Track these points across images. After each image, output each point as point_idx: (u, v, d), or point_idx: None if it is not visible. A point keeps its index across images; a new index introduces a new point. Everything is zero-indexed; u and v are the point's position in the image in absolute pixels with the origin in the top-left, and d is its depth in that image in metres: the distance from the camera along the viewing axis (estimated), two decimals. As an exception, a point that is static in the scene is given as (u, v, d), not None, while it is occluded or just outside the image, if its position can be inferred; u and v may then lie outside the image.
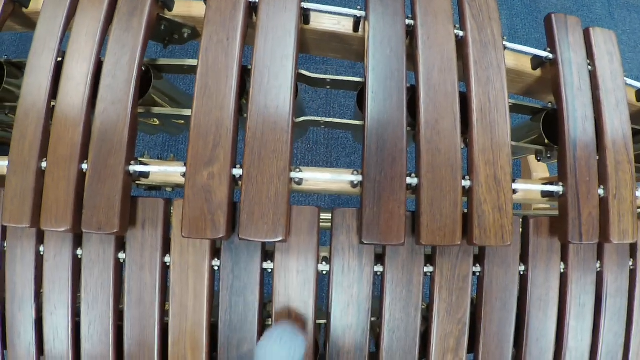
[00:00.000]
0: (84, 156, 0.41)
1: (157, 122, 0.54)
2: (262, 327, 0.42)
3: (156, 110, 0.46)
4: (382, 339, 0.41)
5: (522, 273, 0.44)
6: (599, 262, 0.47)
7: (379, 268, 0.42)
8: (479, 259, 0.44)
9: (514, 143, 0.48)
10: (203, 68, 0.41)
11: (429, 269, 0.42)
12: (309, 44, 0.49)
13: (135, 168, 0.41)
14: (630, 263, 0.48)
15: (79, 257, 0.43)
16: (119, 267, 0.43)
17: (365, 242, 0.38)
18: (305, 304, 0.41)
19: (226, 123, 0.40)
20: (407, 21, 0.43)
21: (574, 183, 0.42)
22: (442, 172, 0.39)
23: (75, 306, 0.44)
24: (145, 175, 0.42)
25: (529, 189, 0.43)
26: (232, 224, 0.40)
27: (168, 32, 0.49)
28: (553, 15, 0.47)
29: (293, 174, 0.40)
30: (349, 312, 0.41)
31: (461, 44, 0.44)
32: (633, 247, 0.49)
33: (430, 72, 0.41)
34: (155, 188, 0.58)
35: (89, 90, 0.42)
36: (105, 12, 0.44)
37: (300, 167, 0.41)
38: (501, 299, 0.43)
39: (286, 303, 0.41)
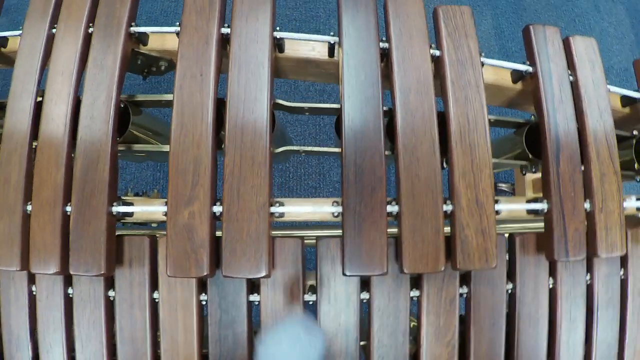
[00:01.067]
0: (67, 198, 0.41)
1: (143, 153, 0.55)
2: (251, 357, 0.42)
3: (137, 147, 0.46)
4: (371, 365, 0.42)
5: (510, 291, 0.44)
6: (588, 274, 0.47)
7: (365, 295, 0.42)
8: (465, 279, 0.44)
9: (496, 160, 0.48)
10: (178, 105, 0.41)
11: (415, 293, 0.43)
12: (287, 71, 0.49)
13: (118, 209, 0.41)
14: (621, 273, 0.48)
15: (70, 296, 0.44)
16: (110, 305, 0.44)
17: (347, 274, 0.38)
18: (293, 334, 0.41)
19: (204, 161, 0.40)
20: (383, 44, 0.43)
21: (558, 200, 0.42)
22: (423, 198, 0.39)
23: (70, 344, 0.45)
24: (129, 215, 0.42)
25: (513, 209, 0.43)
26: (217, 260, 0.40)
27: (146, 65, 0.49)
28: (531, 27, 0.46)
29: (273, 209, 0.40)
30: (338, 341, 0.42)
31: (438, 64, 0.43)
32: (624, 256, 0.49)
33: (407, 96, 0.41)
34: (142, 223, 0.59)
35: (68, 132, 0.43)
36: (80, 51, 0.44)
37: (281, 200, 0.41)
38: (490, 319, 0.43)
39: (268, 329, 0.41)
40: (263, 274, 0.38)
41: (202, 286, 0.43)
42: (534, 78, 0.45)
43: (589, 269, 0.47)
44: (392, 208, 0.39)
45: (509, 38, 1.29)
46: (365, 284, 0.42)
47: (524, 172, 0.50)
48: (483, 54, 0.44)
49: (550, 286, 0.45)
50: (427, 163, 0.40)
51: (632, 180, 0.53)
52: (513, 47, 1.28)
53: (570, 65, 0.46)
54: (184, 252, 0.39)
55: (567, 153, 0.43)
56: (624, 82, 1.12)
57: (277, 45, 0.44)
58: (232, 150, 0.40)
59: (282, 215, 0.40)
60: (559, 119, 0.43)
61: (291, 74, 0.49)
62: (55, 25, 0.46)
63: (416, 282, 0.43)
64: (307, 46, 0.46)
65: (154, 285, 0.43)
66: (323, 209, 0.40)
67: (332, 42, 0.43)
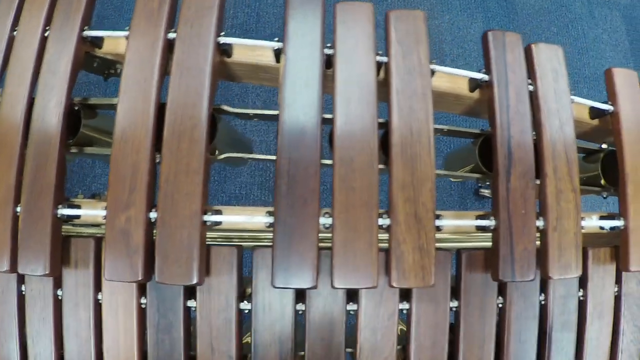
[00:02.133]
0: (18, 199, 0.42)
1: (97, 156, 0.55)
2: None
3: (89, 150, 0.47)
4: (306, 377, 0.42)
5: (454, 309, 0.43)
6: (542, 294, 0.45)
7: (301, 307, 0.42)
8: (407, 295, 0.42)
9: (452, 173, 0.46)
10: (121, 111, 0.41)
11: (352, 307, 0.42)
12: (239, 75, 0.48)
13: (63, 211, 0.42)
14: (580, 294, 0.45)
15: (23, 293, 0.45)
16: (58, 303, 0.45)
17: (276, 286, 0.38)
18: (229, 342, 0.41)
19: (142, 167, 0.40)
20: (329, 50, 0.42)
21: (506, 217, 0.40)
22: (357, 211, 0.38)
23: (22, 339, 0.46)
24: (75, 217, 0.43)
25: (457, 225, 0.41)
26: (153, 265, 0.41)
27: (104, 67, 0.50)
28: (489, 33, 0.43)
29: (206, 217, 0.40)
30: (272, 350, 0.41)
31: (385, 71, 0.41)
32: (583, 277, 0.46)
33: (348, 105, 0.40)
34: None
35: (22, 133, 0.44)
36: (36, 54, 0.45)
37: (218, 208, 0.41)
38: (431, 337, 0.42)
39: (209, 341, 0.42)
40: (194, 281, 0.38)
41: (142, 289, 0.43)
42: (489, 87, 0.43)
43: (543, 289, 0.45)
44: (326, 220, 0.38)
45: None
46: (300, 295, 0.42)
47: (479, 185, 0.48)
48: (435, 61, 0.42)
49: (500, 306, 0.44)
50: (364, 175, 0.39)
51: (598, 195, 0.50)
52: None
53: (531, 74, 0.44)
54: (120, 257, 0.39)
55: (520, 168, 0.41)
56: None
57: (224, 50, 0.44)
58: (168, 157, 0.40)
59: (217, 223, 0.40)
60: (512, 131, 0.41)
61: (245, 78, 0.49)
62: (16, 29, 0.47)
63: (354, 296, 0.42)
64: (256, 52, 0.45)
65: (98, 287, 0.44)
66: (255, 219, 0.39)
67: (276, 47, 0.42)
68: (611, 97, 0.46)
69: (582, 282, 0.46)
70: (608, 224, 0.44)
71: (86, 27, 0.46)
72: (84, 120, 0.46)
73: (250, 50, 0.45)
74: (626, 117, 0.45)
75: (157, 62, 0.42)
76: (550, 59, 0.44)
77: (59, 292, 0.45)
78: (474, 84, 0.45)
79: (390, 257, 0.38)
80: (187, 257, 0.38)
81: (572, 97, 0.45)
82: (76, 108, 0.47)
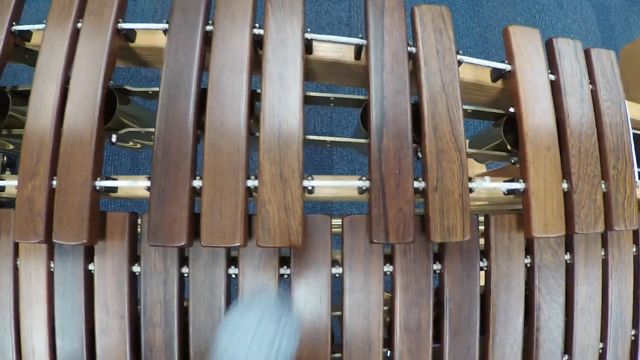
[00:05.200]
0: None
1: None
2: (91, 325, 0.45)
3: (16, 131, 0.53)
4: (189, 341, 0.42)
5: (337, 275, 0.42)
6: (437, 263, 0.43)
7: (185, 270, 0.43)
8: (286, 260, 0.42)
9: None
10: (33, 94, 0.46)
11: (233, 270, 0.42)
12: (149, 60, 0.52)
13: (-11, 184, 0.47)
14: (485, 264, 0.43)
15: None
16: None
17: (151, 244, 0.39)
18: (121, 303, 0.44)
19: (46, 141, 0.44)
20: (209, 27, 0.44)
21: (378, 177, 0.39)
22: (224, 174, 0.39)
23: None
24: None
25: (327, 185, 0.41)
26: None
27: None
28: (368, 0, 0.43)
29: (97, 183, 0.43)
30: (156, 313, 0.43)
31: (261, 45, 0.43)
32: (485, 245, 0.44)
33: (220, 74, 0.42)
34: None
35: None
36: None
37: (113, 176, 0.44)
38: (313, 301, 0.41)
39: (104, 301, 0.44)
40: (83, 241, 0.41)
41: (51, 254, 0.47)
42: (367, 51, 0.43)
43: (439, 258, 0.43)
44: (198, 182, 0.40)
45: (463, 34, 1.23)
46: (185, 259, 0.43)
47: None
48: (309, 30, 0.43)
49: (388, 273, 0.42)
50: (232, 139, 0.40)
51: (507, 161, 0.47)
52: (467, 43, 1.21)
53: (414, 36, 0.43)
54: (26, 221, 0.43)
55: (393, 128, 0.40)
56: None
57: (126, 36, 0.48)
58: (67, 131, 0.44)
59: (114, 189, 0.43)
60: (386, 91, 0.41)
61: (156, 63, 0.52)
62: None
63: (234, 260, 0.43)
64: (155, 35, 0.48)
65: (17, 253, 0.48)
66: (137, 183, 0.42)
67: (162, 28, 0.45)
68: (509, 56, 0.44)
69: (485, 251, 0.44)
70: (506, 186, 0.42)
71: (14, 23, 0.52)
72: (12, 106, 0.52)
73: (148, 34, 0.48)
74: (523, 76, 0.43)
75: (64, 50, 0.47)
76: (434, 20, 0.43)
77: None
78: (357, 51, 0.45)
79: (258, 217, 0.39)
80: (79, 219, 0.42)
81: (463, 57, 0.44)
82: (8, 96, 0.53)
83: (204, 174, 0.40)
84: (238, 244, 0.38)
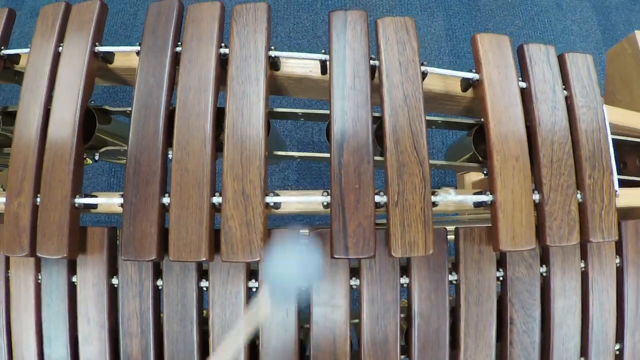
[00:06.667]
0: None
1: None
2: (75, 334, 0.47)
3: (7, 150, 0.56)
4: (164, 351, 0.44)
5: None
6: (404, 276, 0.42)
7: (160, 282, 0.45)
8: (254, 274, 0.43)
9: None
10: (19, 116, 0.49)
11: (204, 283, 0.44)
12: (127, 79, 0.54)
13: (-17, 201, 0.51)
14: (454, 278, 0.42)
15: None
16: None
17: (124, 259, 0.41)
18: (100, 313, 0.46)
19: (30, 160, 0.47)
20: (178, 48, 0.45)
21: (338, 192, 0.39)
22: (190, 191, 0.41)
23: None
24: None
25: (291, 201, 0.41)
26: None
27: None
28: (332, 14, 0.43)
29: (76, 200, 0.45)
30: (133, 323, 0.45)
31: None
32: (457, 258, 0.43)
33: (187, 94, 0.43)
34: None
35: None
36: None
37: (93, 193, 0.46)
38: (280, 315, 0.42)
39: (86, 312, 0.46)
40: (64, 255, 0.43)
41: (38, 266, 0.49)
42: (330, 65, 0.43)
43: (406, 271, 0.42)
44: (167, 199, 0.41)
45: (460, 39, 1.20)
46: (159, 271, 0.45)
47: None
48: (273, 48, 0.43)
49: (354, 287, 0.42)
50: (197, 157, 0.41)
51: (480, 172, 0.46)
52: (464, 48, 1.18)
53: (378, 48, 0.43)
54: (13, 236, 0.46)
55: (353, 142, 0.40)
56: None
57: (103, 58, 0.50)
58: (49, 150, 0.46)
59: (93, 206, 0.45)
60: (347, 106, 0.41)
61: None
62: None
63: (205, 273, 0.44)
64: (129, 57, 0.50)
65: (8, 265, 0.51)
66: (112, 200, 0.44)
67: (135, 51, 0.47)
68: (477, 65, 0.44)
69: (455, 264, 0.43)
70: (473, 198, 0.41)
71: (2, 47, 0.55)
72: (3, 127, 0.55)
73: (125, 56, 0.50)
74: (490, 84, 0.42)
75: (47, 72, 0.49)
76: (397, 31, 0.43)
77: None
78: (322, 66, 0.45)
79: (221, 233, 0.40)
80: (59, 234, 0.44)
81: (428, 68, 0.43)
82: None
83: (172, 191, 0.41)
84: (204, 259, 0.40)
